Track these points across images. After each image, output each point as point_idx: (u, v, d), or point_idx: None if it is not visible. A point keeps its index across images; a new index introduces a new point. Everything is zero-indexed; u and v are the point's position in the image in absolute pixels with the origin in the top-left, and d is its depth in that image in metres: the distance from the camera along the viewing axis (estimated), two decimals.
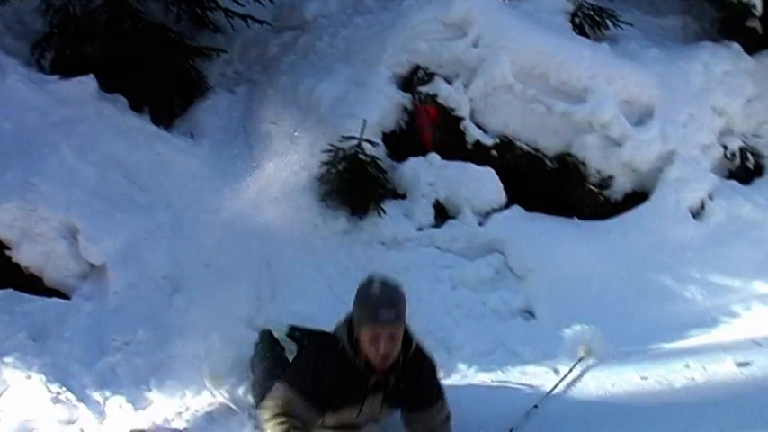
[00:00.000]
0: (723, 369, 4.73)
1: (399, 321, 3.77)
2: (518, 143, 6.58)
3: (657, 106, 6.71)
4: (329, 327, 4.02)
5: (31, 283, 5.25)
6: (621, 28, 7.17)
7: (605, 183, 6.55)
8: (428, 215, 6.19)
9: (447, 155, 6.40)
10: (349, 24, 7.10)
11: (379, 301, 3.74)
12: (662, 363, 4.91)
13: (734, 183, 6.81)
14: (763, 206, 6.60)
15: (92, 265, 5.32)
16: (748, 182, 6.91)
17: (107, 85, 6.35)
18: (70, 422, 4.37)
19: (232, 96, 7.02)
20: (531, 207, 6.37)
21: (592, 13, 7.09)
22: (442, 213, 6.25)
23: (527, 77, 6.52)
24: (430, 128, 6.47)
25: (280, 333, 4.36)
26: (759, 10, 7.26)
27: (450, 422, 4.04)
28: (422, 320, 4.77)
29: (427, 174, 6.27)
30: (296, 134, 6.43)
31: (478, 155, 6.46)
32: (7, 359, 4.63)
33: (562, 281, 5.76)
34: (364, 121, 6.12)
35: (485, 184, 6.34)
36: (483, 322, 5.54)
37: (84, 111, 6.02)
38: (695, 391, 4.56)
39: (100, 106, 6.15)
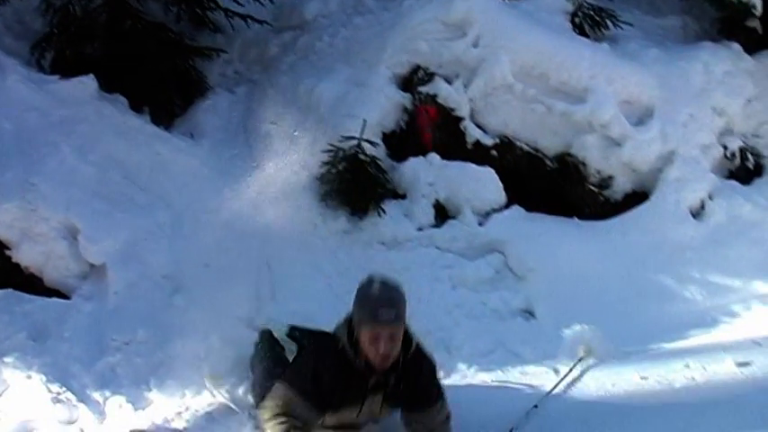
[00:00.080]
0: (723, 369, 4.73)
1: (399, 321, 3.77)
2: (518, 143, 6.57)
3: (657, 106, 6.71)
4: (329, 327, 4.02)
5: (31, 283, 5.25)
6: (621, 28, 7.16)
7: (605, 183, 6.55)
8: (428, 215, 6.19)
9: (447, 155, 6.40)
10: (349, 24, 7.10)
11: (379, 301, 3.74)
12: (662, 363, 4.91)
13: (734, 183, 6.81)
14: (763, 206, 6.60)
15: (92, 265, 5.32)
16: (748, 182, 6.91)
17: (107, 85, 6.35)
18: (70, 422, 4.36)
19: (232, 96, 7.02)
20: (531, 207, 6.37)
21: (592, 12, 7.09)
22: (442, 213, 6.25)
23: (527, 77, 6.52)
24: (430, 128, 6.47)
25: (280, 333, 4.36)
26: (759, 10, 7.25)
27: (450, 422, 4.04)
28: (422, 320, 4.77)
29: (427, 174, 6.27)
30: (296, 134, 6.43)
31: (478, 155, 6.46)
32: (7, 359, 4.63)
33: (562, 281, 5.76)
34: (364, 121, 6.12)
35: (485, 184, 6.35)
36: (483, 322, 5.54)
37: (84, 111, 6.02)
38: (695, 391, 4.56)
39: (100, 106, 6.15)
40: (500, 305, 5.66)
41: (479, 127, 6.51)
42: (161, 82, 6.73)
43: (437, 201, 6.25)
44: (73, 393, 4.51)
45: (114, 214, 5.47)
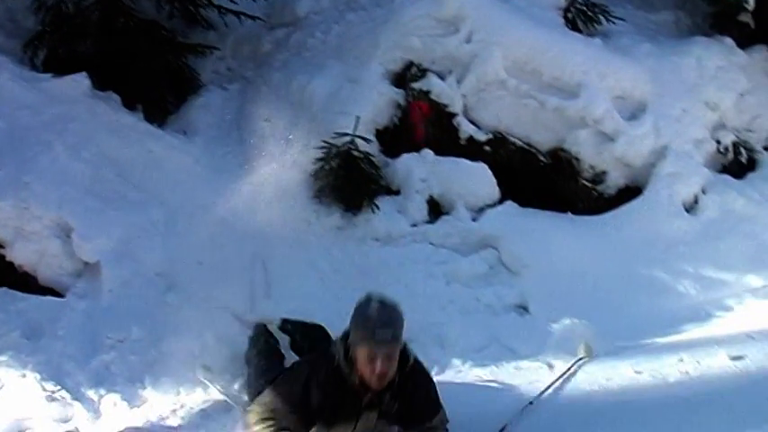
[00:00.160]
0: (717, 363, 4.75)
1: (396, 342, 3.75)
2: (511, 138, 6.57)
3: (650, 101, 6.71)
4: (322, 321, 4.02)
5: (25, 282, 5.23)
6: (614, 23, 7.16)
7: (598, 178, 6.56)
8: (422, 211, 6.19)
9: (440, 151, 6.40)
10: (341, 21, 7.09)
11: (377, 321, 3.71)
12: (656, 357, 4.92)
13: (727, 177, 6.81)
14: (757, 200, 6.61)
15: (85, 263, 5.30)
16: (741, 176, 6.92)
17: (100, 83, 6.32)
18: (65, 420, 4.36)
19: (225, 93, 7.00)
20: (524, 202, 6.37)
21: (584, 8, 7.08)
22: (436, 209, 6.25)
23: (520, 73, 6.52)
24: (423, 124, 6.47)
25: (273, 326, 4.36)
26: (751, 4, 7.26)
27: (445, 427, 4.04)
28: (416, 316, 4.77)
29: (420, 170, 6.27)
30: (289, 132, 6.42)
31: (472, 150, 6.46)
32: (1, 358, 4.63)
33: (556, 276, 5.77)
34: (357, 117, 6.12)
35: (478, 179, 6.35)
36: (477, 317, 5.54)
37: (77, 109, 6.00)
38: (689, 386, 4.58)
39: (93, 104, 6.13)
40: (494, 300, 5.66)
41: (472, 122, 6.51)
42: (154, 79, 6.70)
43: (431, 197, 6.25)
44: (67, 391, 4.51)
45: (108, 212, 5.46)
